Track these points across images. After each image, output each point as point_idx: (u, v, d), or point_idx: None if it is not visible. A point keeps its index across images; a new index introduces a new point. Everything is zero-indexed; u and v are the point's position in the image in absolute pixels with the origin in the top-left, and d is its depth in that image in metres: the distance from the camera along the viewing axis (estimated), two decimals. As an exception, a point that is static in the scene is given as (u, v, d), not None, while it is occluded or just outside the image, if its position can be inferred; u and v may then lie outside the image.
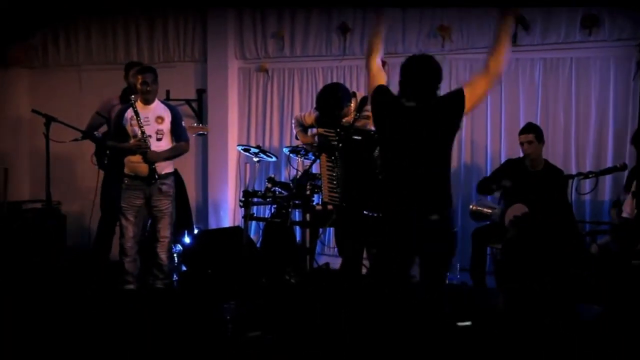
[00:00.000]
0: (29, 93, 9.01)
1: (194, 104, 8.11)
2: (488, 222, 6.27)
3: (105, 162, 6.55)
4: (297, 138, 6.17)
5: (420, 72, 3.92)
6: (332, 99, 5.31)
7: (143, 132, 5.65)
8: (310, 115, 5.89)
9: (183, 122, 6.01)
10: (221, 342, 4.81)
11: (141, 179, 5.75)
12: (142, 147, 5.66)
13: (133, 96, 5.73)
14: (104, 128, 6.62)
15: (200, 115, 8.07)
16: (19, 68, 8.91)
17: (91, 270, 6.65)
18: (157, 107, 5.84)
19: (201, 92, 8.16)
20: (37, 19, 8.61)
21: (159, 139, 5.78)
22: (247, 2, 7.77)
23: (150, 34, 8.34)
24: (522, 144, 6.05)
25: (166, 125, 5.83)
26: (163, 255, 5.88)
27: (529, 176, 6.03)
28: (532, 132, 6.00)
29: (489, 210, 6.27)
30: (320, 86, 7.37)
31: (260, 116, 8.01)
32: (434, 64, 3.94)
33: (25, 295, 5.91)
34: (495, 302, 5.56)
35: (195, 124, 7.48)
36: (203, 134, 7.63)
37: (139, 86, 5.74)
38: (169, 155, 5.85)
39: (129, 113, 5.73)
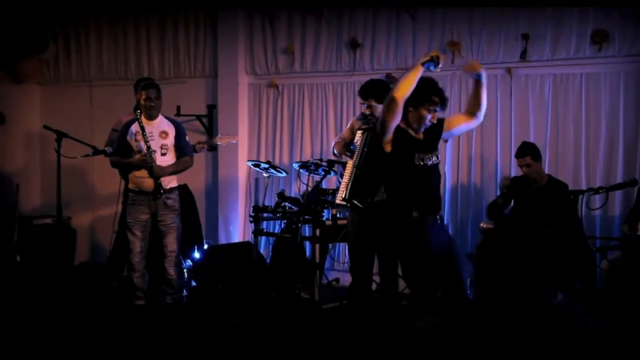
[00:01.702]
0: (41, 108, 9.06)
1: (205, 120, 8.14)
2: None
3: None
4: (334, 153, 6.06)
5: None
6: (377, 82, 5.47)
7: (149, 147, 5.68)
8: (347, 127, 5.87)
9: (187, 137, 6.05)
10: (230, 357, 4.82)
11: (146, 194, 5.77)
12: (147, 162, 5.68)
13: (138, 111, 5.78)
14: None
15: (211, 130, 8.09)
16: (31, 84, 8.97)
17: (99, 284, 6.67)
18: (161, 122, 5.88)
19: (211, 108, 8.18)
20: (49, 34, 8.69)
21: (163, 154, 5.80)
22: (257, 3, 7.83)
23: (161, 50, 8.37)
24: (520, 166, 6.09)
25: (170, 140, 5.86)
26: (171, 270, 5.88)
27: (534, 191, 6.06)
28: (528, 155, 6.04)
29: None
30: (331, 102, 7.70)
31: (271, 131, 8.03)
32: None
33: (30, 308, 5.97)
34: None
35: (222, 135, 7.28)
36: (233, 142, 7.25)
37: (142, 102, 5.78)
38: (174, 169, 5.87)
39: (135, 127, 5.77)
